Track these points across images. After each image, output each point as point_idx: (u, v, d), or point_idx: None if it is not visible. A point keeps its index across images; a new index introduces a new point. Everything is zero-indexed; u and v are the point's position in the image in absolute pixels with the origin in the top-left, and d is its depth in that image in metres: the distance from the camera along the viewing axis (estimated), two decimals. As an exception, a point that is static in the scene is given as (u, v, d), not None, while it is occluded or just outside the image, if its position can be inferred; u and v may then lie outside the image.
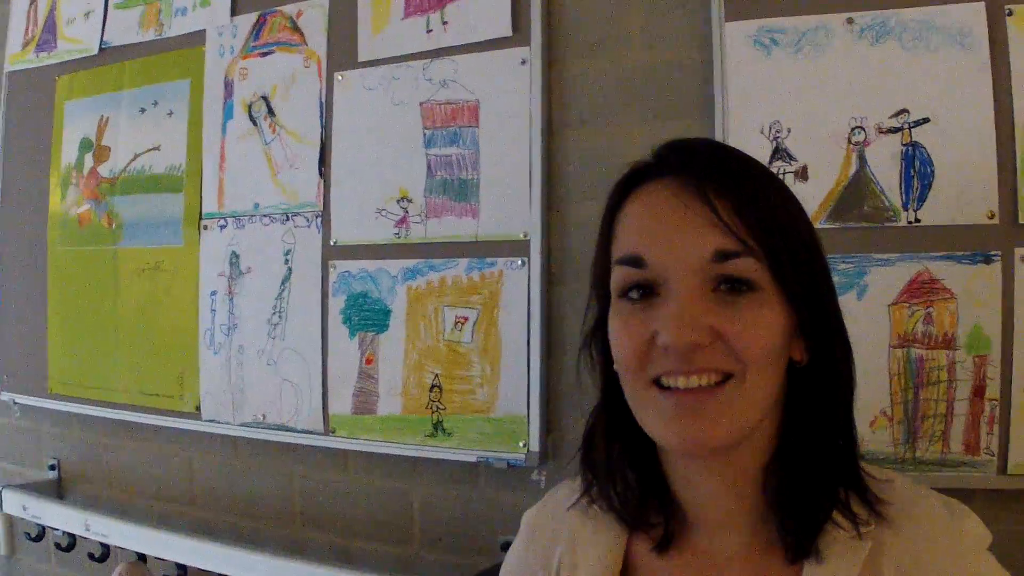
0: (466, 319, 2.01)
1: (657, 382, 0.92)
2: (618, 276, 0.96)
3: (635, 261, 0.94)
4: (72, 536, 2.62)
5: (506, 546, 1.29)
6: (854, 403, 0.99)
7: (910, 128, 1.64)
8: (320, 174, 2.23)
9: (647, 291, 0.93)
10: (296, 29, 2.29)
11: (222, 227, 2.40)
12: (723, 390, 0.89)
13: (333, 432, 2.20)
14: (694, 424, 0.89)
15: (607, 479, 1.06)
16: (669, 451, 1.00)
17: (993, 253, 1.58)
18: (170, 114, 2.53)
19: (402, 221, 2.10)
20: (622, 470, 1.06)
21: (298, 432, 2.26)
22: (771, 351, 0.91)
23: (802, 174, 1.71)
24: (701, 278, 0.90)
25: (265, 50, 2.35)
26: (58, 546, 2.67)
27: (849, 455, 0.98)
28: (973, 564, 0.91)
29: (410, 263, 2.09)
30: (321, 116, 2.24)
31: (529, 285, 1.94)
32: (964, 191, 1.60)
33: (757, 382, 0.90)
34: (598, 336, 1.05)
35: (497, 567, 1.23)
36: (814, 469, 0.95)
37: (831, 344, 0.97)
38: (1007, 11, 1.58)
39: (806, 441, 0.96)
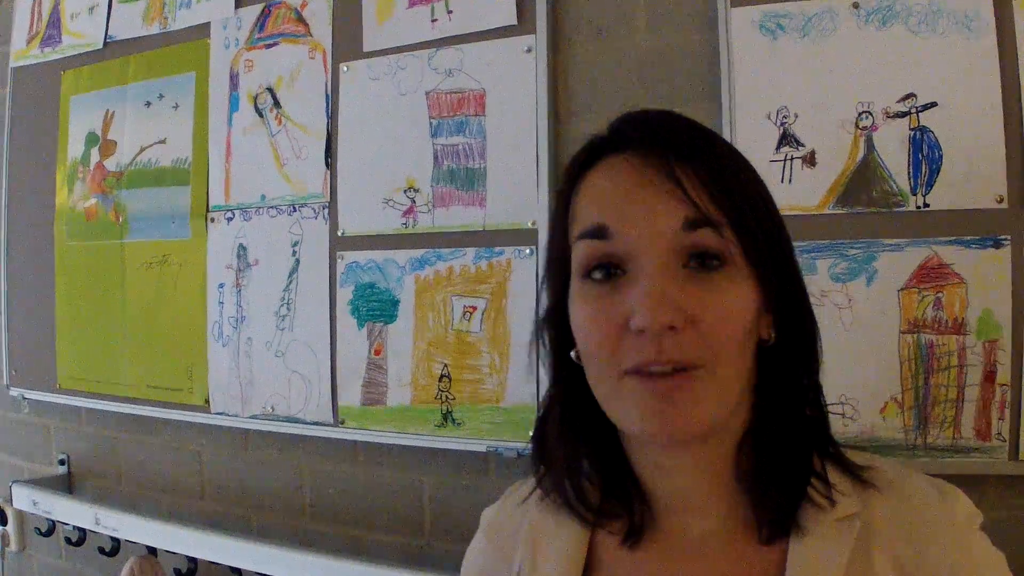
0: (475, 308, 2.01)
1: (632, 373, 0.86)
2: (581, 252, 0.91)
3: (600, 232, 0.89)
4: (82, 530, 2.63)
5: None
6: (820, 376, 0.97)
7: (918, 112, 1.63)
8: (327, 165, 2.23)
9: (613, 270, 0.89)
10: (301, 20, 2.29)
11: (229, 219, 2.40)
12: (694, 380, 0.85)
13: (342, 423, 2.20)
14: (670, 414, 0.85)
15: (562, 472, 1.02)
16: (642, 441, 0.97)
17: (1003, 237, 1.57)
18: (176, 107, 2.53)
19: (409, 211, 2.10)
20: (578, 462, 1.02)
21: (307, 424, 2.26)
22: (743, 335, 0.88)
23: (810, 159, 1.70)
24: (672, 252, 0.86)
25: (270, 42, 2.35)
26: (68, 541, 2.68)
27: (820, 426, 0.97)
28: (969, 548, 0.89)
29: (418, 253, 2.08)
30: (327, 107, 2.23)
31: (537, 274, 1.92)
32: (972, 175, 1.59)
33: (727, 370, 0.87)
34: (550, 323, 1.01)
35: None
36: (786, 442, 0.93)
37: (800, 320, 0.95)
38: (1014, -7, 1.58)
39: (777, 417, 0.94)
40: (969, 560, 0.88)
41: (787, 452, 0.93)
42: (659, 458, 0.97)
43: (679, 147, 0.90)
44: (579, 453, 1.02)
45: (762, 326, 0.93)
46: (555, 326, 1.00)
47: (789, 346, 0.94)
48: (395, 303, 2.11)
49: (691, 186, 0.86)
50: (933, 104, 1.62)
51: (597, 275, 0.90)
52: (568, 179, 0.98)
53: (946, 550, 0.87)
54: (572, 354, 0.97)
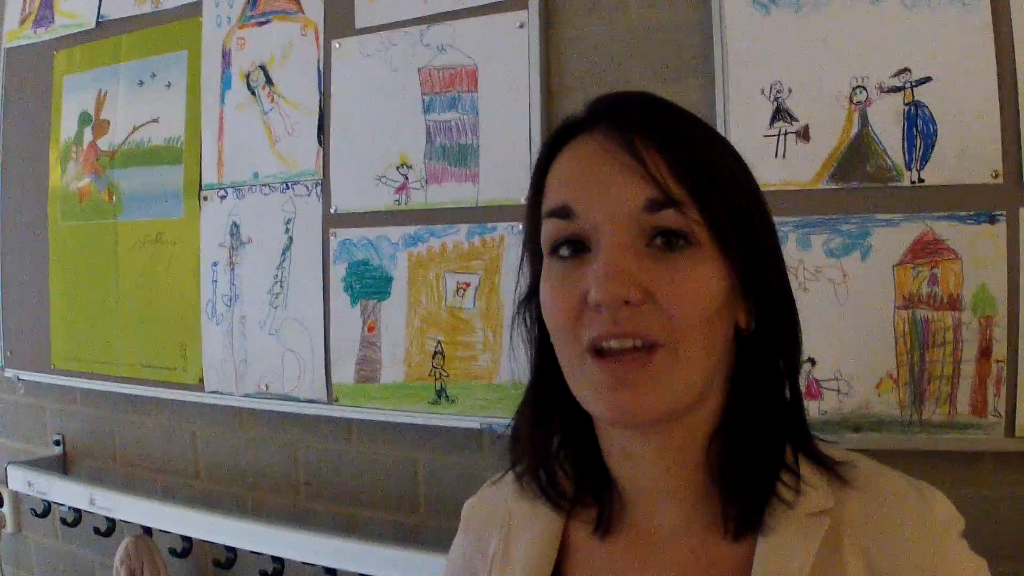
0: (468, 285, 2.00)
1: (591, 349, 0.86)
2: (547, 230, 0.91)
3: (563, 212, 0.89)
4: (78, 511, 2.64)
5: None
6: (800, 369, 0.96)
7: (912, 87, 1.62)
8: (319, 142, 2.22)
9: (578, 248, 0.88)
10: (293, -3, 2.28)
11: (222, 198, 2.39)
12: (655, 359, 0.83)
13: (336, 401, 2.20)
14: (628, 395, 0.84)
15: (536, 458, 1.02)
16: (604, 424, 0.96)
17: (997, 213, 1.56)
18: (168, 86, 2.52)
19: (402, 188, 2.09)
20: (550, 448, 1.02)
21: (301, 402, 2.26)
22: (706, 316, 0.85)
23: (804, 134, 1.69)
24: (633, 228, 0.85)
25: (262, 19, 2.33)
26: (64, 521, 2.69)
27: (796, 420, 0.95)
28: (945, 550, 0.87)
29: (411, 230, 2.08)
30: (319, 84, 2.22)
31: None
32: (967, 150, 1.58)
33: (692, 350, 0.85)
34: (531, 304, 1.00)
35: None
36: (759, 436, 0.91)
37: (775, 305, 0.92)
38: (1008, -32, 1.57)
39: (750, 410, 0.92)
40: (944, 564, 0.86)
41: (759, 446, 0.91)
42: (626, 444, 0.96)
43: (644, 124, 0.89)
44: (551, 439, 1.02)
45: (739, 314, 0.92)
46: (536, 308, 0.98)
47: (768, 335, 0.93)
48: (388, 280, 2.11)
49: (653, 164, 0.85)
50: (927, 79, 1.61)
51: (564, 252, 0.90)
52: (541, 158, 0.98)
53: (920, 551, 0.86)
54: (551, 334, 0.95)
